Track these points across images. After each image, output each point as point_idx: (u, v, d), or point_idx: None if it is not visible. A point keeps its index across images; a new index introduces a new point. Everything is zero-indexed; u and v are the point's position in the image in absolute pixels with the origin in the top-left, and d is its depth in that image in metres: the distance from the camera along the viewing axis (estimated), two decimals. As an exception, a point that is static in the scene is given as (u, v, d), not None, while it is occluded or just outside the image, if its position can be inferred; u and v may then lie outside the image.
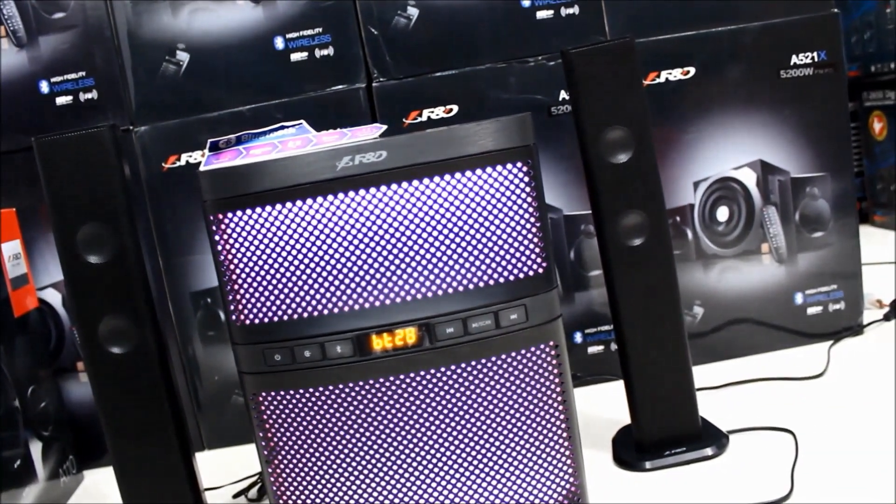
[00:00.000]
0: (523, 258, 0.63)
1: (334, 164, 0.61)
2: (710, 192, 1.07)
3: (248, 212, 0.62)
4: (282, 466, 0.66)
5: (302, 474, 0.66)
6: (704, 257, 1.09)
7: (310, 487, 0.66)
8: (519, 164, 0.63)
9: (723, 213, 1.08)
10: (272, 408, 0.65)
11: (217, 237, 0.63)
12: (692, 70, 1.05)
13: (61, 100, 1.05)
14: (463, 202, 0.62)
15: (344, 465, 0.65)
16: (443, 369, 0.63)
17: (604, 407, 1.00)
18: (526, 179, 0.63)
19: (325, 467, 0.65)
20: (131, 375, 0.75)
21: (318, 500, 0.66)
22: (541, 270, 0.64)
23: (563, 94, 1.05)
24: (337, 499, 0.66)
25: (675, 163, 1.07)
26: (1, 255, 0.96)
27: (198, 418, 1.13)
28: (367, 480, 0.65)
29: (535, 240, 0.64)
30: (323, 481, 0.66)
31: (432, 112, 1.04)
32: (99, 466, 1.09)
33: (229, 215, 0.62)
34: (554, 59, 1.04)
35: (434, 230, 0.62)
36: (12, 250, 1.00)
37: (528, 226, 0.63)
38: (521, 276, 0.64)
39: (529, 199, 0.63)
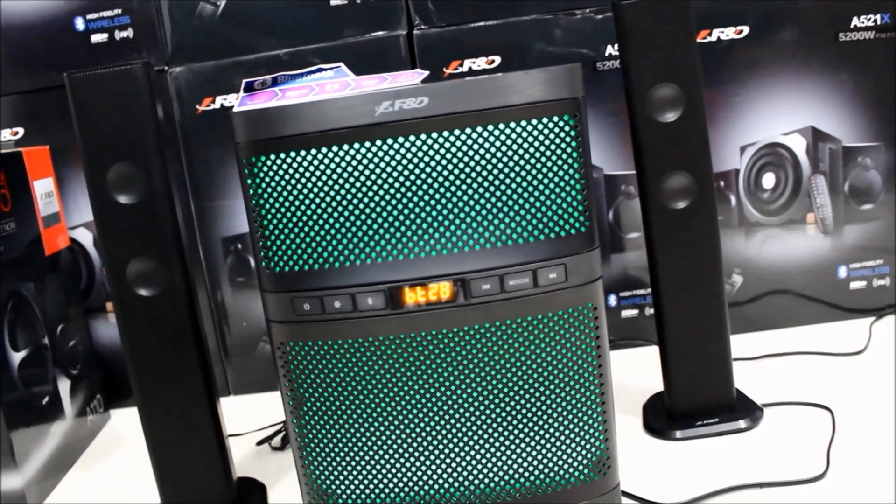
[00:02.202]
0: (565, 215, 0.60)
1: (373, 108, 0.58)
2: (757, 157, 1.03)
3: (282, 156, 0.59)
4: (307, 418, 0.64)
5: (327, 427, 0.64)
6: (747, 224, 1.05)
7: (334, 441, 0.64)
8: (566, 118, 0.59)
9: (769, 180, 1.03)
10: (299, 358, 0.62)
11: (249, 181, 0.60)
12: (746, 29, 1.00)
13: (96, 37, 1.03)
14: (505, 154, 0.59)
15: (370, 419, 0.63)
16: (476, 326, 0.61)
17: (636, 372, 0.97)
18: (573, 133, 0.60)
19: (350, 421, 0.63)
20: (158, 318, 0.73)
21: (342, 454, 0.64)
22: (583, 229, 0.61)
23: (610, 49, 1.01)
24: (362, 453, 0.64)
25: (721, 125, 1.02)
26: (33, 192, 0.95)
27: (224, 364, 1.12)
28: (394, 436, 0.63)
29: (579, 197, 0.60)
30: (348, 435, 0.64)
31: (473, 62, 1.00)
32: (126, 406, 1.08)
33: (262, 158, 0.60)
34: (602, 11, 0.99)
35: (474, 182, 0.59)
36: (45, 188, 0.98)
37: (573, 182, 0.60)
38: (563, 234, 0.60)
39: (575, 155, 0.60)
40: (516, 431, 0.64)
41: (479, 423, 0.63)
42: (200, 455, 0.76)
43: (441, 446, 0.64)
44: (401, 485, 0.65)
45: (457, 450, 0.64)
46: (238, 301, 1.10)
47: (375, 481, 0.65)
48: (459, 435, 0.63)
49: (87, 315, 1.07)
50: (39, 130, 1.05)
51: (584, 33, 1.01)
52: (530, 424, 0.64)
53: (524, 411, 0.63)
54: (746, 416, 0.83)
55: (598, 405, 0.64)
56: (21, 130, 1.05)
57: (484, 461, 0.64)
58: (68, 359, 0.99)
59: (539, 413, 0.63)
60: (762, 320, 1.07)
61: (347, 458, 0.64)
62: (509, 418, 0.63)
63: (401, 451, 0.64)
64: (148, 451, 0.76)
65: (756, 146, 1.03)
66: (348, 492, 0.65)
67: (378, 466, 0.64)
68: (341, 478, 0.65)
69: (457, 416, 0.63)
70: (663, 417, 0.86)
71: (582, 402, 0.64)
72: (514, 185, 0.59)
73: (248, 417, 1.02)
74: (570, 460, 0.65)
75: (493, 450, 0.64)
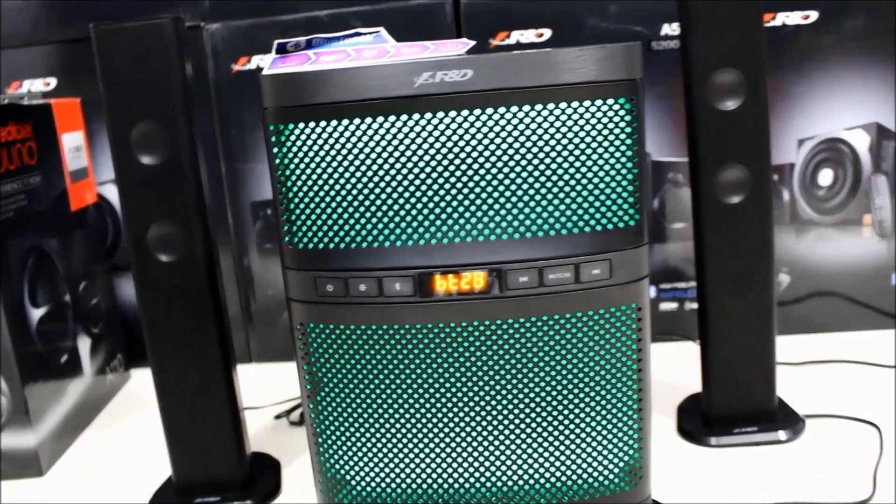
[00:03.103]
0: (614, 207, 0.55)
1: (412, 79, 0.52)
2: (816, 152, 0.96)
3: (312, 124, 0.54)
4: (324, 403, 0.59)
5: (345, 414, 0.59)
6: (799, 222, 0.98)
7: (352, 429, 0.59)
8: (622, 101, 0.53)
9: (826, 177, 0.96)
10: (319, 340, 0.58)
11: (275, 150, 0.55)
12: (813, 15, 0.92)
13: (135, -12, 0.98)
14: (553, 137, 0.53)
15: (391, 409, 0.58)
16: (510, 321, 0.55)
17: (672, 369, 0.92)
18: (628, 119, 0.54)
19: (370, 409, 0.59)
20: (177, 285, 0.69)
21: (359, 443, 0.60)
22: (632, 223, 0.55)
23: (667, 29, 0.94)
24: (380, 443, 0.60)
25: (780, 116, 0.95)
26: (61, 145, 0.91)
27: (248, 331, 1.08)
28: (415, 428, 0.59)
29: (630, 188, 0.55)
30: (367, 423, 0.59)
31: (522, 35, 0.94)
32: (148, 367, 1.05)
33: (290, 126, 0.55)
34: (662, -12, 0.93)
35: (517, 166, 0.54)
36: (74, 142, 0.94)
37: (625, 171, 0.54)
38: (610, 226, 0.55)
39: (629, 142, 0.54)
40: (545, 433, 0.59)
41: (506, 421, 0.58)
42: (213, 429, 0.72)
43: (463, 443, 0.59)
44: (418, 480, 0.60)
45: (480, 448, 0.59)
46: (265, 268, 1.06)
47: (392, 474, 0.60)
48: (484, 432, 0.59)
49: (111, 273, 1.04)
50: (72, 82, 1.01)
51: (640, 10, 0.94)
52: (560, 427, 0.59)
53: (555, 412, 0.58)
54: (787, 427, 0.77)
55: (634, 412, 0.59)
56: (53, 81, 1.01)
57: (508, 462, 0.59)
58: (90, 317, 0.95)
59: (570, 415, 0.58)
60: (807, 323, 1.00)
61: (364, 448, 0.60)
62: (538, 419, 0.58)
63: (421, 444, 0.59)
64: (161, 420, 0.72)
65: (815, 140, 0.96)
66: (363, 482, 0.61)
67: (396, 458, 0.60)
68: (356, 467, 0.61)
69: (482, 412, 0.58)
70: (698, 421, 0.80)
71: (617, 408, 0.58)
72: (560, 172, 0.54)
73: (268, 388, 0.99)
74: (599, 468, 0.60)
75: (518, 451, 0.59)
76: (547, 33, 0.94)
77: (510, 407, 0.58)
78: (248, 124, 1.00)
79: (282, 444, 0.84)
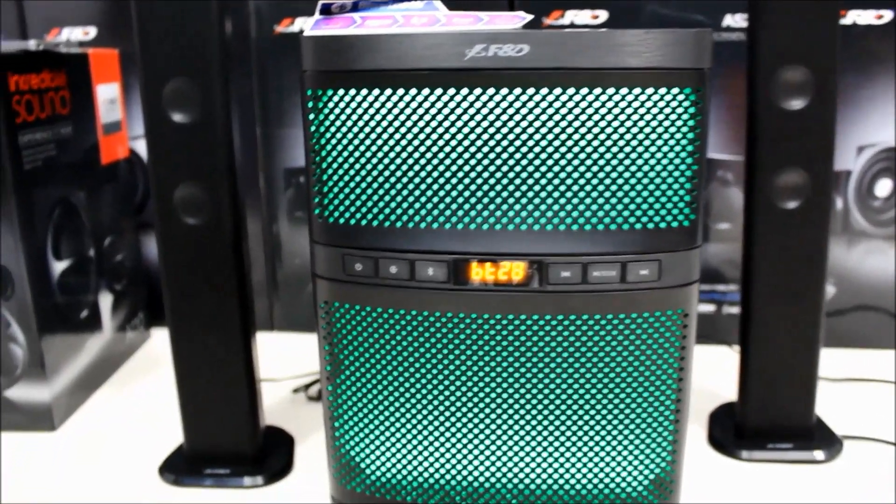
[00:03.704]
0: (668, 205, 0.50)
1: (463, 51, 0.48)
2: (875, 160, 0.90)
3: (352, 92, 0.50)
4: (343, 386, 0.56)
5: (365, 399, 0.56)
6: (851, 232, 0.92)
7: (371, 415, 0.56)
8: (687, 91, 0.49)
9: (883, 188, 0.91)
10: (344, 321, 0.54)
11: (311, 116, 0.52)
12: (888, 15, 0.86)
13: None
14: (610, 125, 0.49)
15: (414, 399, 0.55)
16: (547, 317, 0.51)
17: (705, 374, 0.87)
18: (692, 111, 0.49)
19: (393, 396, 0.55)
20: (201, 249, 0.66)
21: (378, 430, 0.56)
22: (686, 223, 0.51)
23: (729, 20, 0.88)
24: (400, 432, 0.56)
25: (840, 120, 0.88)
26: (95, 97, 0.88)
27: (272, 298, 1.05)
28: (437, 421, 0.55)
29: (688, 186, 0.50)
30: (388, 410, 0.56)
31: (577, 15, 0.89)
32: (168, 328, 1.03)
33: (329, 92, 0.51)
34: (728, -24, 0.87)
35: (569, 153, 0.49)
36: (109, 94, 0.91)
37: (683, 167, 0.50)
38: (662, 225, 0.50)
39: (691, 136, 0.49)
40: (573, 436, 0.55)
41: (533, 421, 0.54)
42: (228, 399, 0.69)
43: (487, 440, 0.55)
44: (436, 474, 0.57)
45: (504, 446, 0.55)
46: (294, 236, 1.02)
47: (409, 465, 0.57)
48: (509, 430, 0.55)
49: (139, 230, 1.01)
50: (112, 33, 0.98)
51: (703, -3, 0.88)
52: (590, 431, 0.55)
53: (586, 416, 0.54)
54: (824, 446, 0.73)
55: (670, 422, 0.55)
56: (93, 31, 0.98)
57: (532, 463, 0.55)
58: (113, 273, 0.93)
59: (602, 420, 0.54)
60: (850, 337, 0.95)
61: (383, 436, 0.56)
62: (568, 421, 0.54)
63: (442, 437, 0.56)
64: (176, 386, 0.69)
65: (876, 148, 0.90)
66: (378, 471, 0.57)
67: (414, 449, 0.56)
68: (373, 455, 0.57)
69: (509, 409, 0.54)
70: (730, 432, 0.76)
71: (653, 417, 0.54)
72: (614, 163, 0.49)
73: (288, 359, 0.95)
74: (629, 478, 0.56)
75: (544, 452, 0.55)
76: (603, 15, 0.89)
77: (539, 406, 0.54)
78: (288, 88, 0.96)
79: (297, 419, 0.81)
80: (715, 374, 0.87)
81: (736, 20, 0.88)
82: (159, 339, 1.02)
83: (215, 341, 0.68)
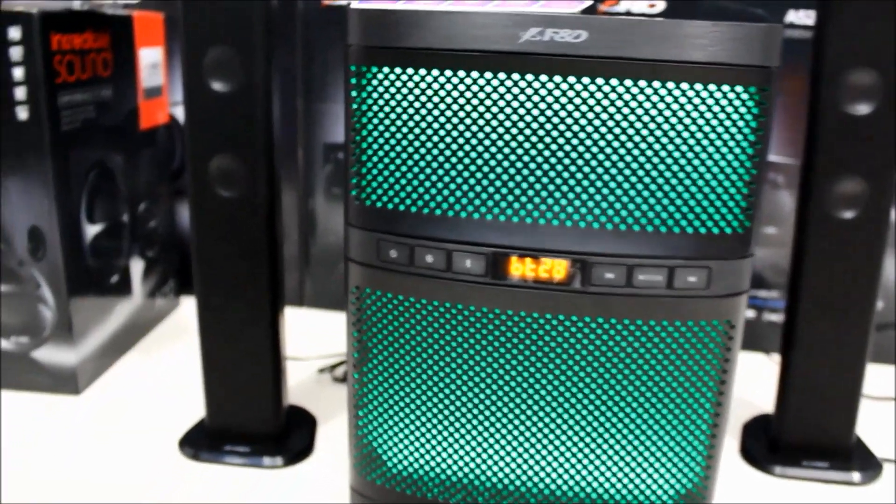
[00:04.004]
0: (723, 210, 0.47)
1: (517, 33, 0.45)
2: (937, 172, 0.85)
3: (397, 70, 0.48)
4: (370, 375, 0.54)
5: (391, 390, 0.54)
6: (903, 245, 0.88)
7: (396, 406, 0.54)
8: (752, 90, 0.45)
9: (943, 201, 0.86)
10: (375, 307, 0.52)
11: (354, 93, 0.49)
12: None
13: None
14: (667, 120, 0.46)
15: (442, 393, 0.53)
16: (587, 319, 0.49)
17: (741, 382, 0.83)
18: (755, 111, 0.46)
19: (419, 389, 0.53)
20: (234, 223, 0.64)
21: (403, 421, 0.54)
22: (740, 230, 0.48)
23: (793, 16, 0.84)
24: (426, 425, 0.54)
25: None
26: (138, 60, 0.86)
27: (303, 274, 1.03)
28: (464, 417, 0.53)
29: (745, 191, 0.47)
30: (413, 404, 0.53)
31: (633, 3, 0.85)
32: (198, 297, 1.02)
33: (373, 69, 0.48)
34: (795, -30, 0.83)
35: (622, 148, 0.46)
36: (152, 58, 0.90)
37: (742, 171, 0.47)
38: (715, 230, 0.47)
39: (752, 138, 0.46)
40: (605, 442, 0.52)
41: (564, 423, 0.52)
42: (252, 375, 0.68)
43: (514, 440, 0.53)
44: (459, 472, 0.54)
45: (532, 448, 0.53)
46: (329, 212, 1.01)
47: (433, 461, 0.55)
48: (539, 432, 0.52)
49: (174, 197, 0.99)
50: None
51: (766, -8, 0.84)
52: (623, 438, 0.52)
53: (619, 422, 0.52)
54: (862, 468, 0.70)
55: (706, 436, 0.52)
56: (141, -8, 0.96)
57: (560, 467, 0.53)
58: (146, 239, 0.91)
59: (636, 428, 0.52)
60: (893, 352, 0.91)
61: (407, 429, 0.54)
62: (600, 426, 0.52)
63: (469, 434, 0.53)
64: (201, 359, 0.68)
65: (938, 159, 0.85)
66: (400, 464, 0.55)
67: (439, 445, 0.54)
68: (396, 447, 0.55)
69: (541, 410, 0.52)
70: (764, 445, 0.73)
71: (689, 430, 0.52)
72: (668, 161, 0.46)
73: (316, 337, 0.94)
74: (658, 490, 0.53)
75: (573, 457, 0.53)
76: (660, 5, 0.86)
77: (571, 409, 0.52)
78: (332, 62, 0.94)
79: (321, 400, 0.79)
80: (751, 382, 0.83)
81: (800, 17, 0.84)
82: (189, 308, 1.01)
83: (243, 315, 0.66)
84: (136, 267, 0.90)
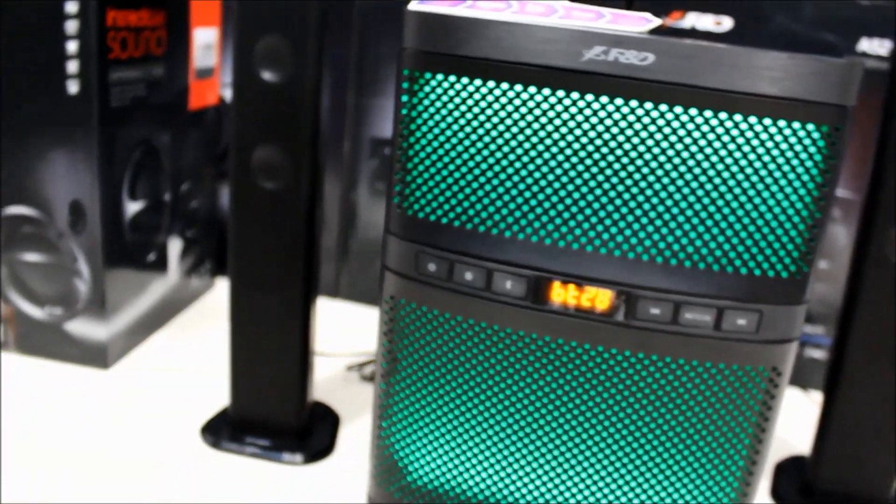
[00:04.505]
0: (781, 252, 0.44)
1: (580, 51, 0.43)
2: None
3: (451, 78, 0.45)
4: (398, 387, 0.52)
5: (418, 405, 0.52)
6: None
7: (422, 421, 0.52)
8: (824, 129, 0.43)
9: None
10: (409, 319, 0.50)
11: (405, 98, 0.47)
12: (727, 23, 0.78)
13: None
14: (730, 154, 0.43)
15: (470, 413, 0.51)
16: (627, 353, 0.46)
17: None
18: (825, 152, 0.43)
19: (446, 407, 0.51)
20: (273, 215, 0.62)
21: (426, 439, 0.52)
22: (797, 276, 0.45)
23: (865, 45, 0.80)
24: (450, 446, 0.52)
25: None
26: (192, 40, 0.85)
27: (340, 265, 1.02)
28: (490, 440, 0.51)
29: (807, 235, 0.44)
30: (439, 421, 0.52)
31: (699, 19, 0.82)
32: (233, 280, 1.01)
33: (426, 75, 0.46)
34: (873, -2, 0.79)
35: (679, 179, 0.44)
36: (206, 39, 0.88)
37: (805, 214, 0.44)
38: (770, 273, 0.45)
39: (819, 180, 0.43)
40: (632, 479, 0.50)
41: (592, 455, 0.50)
42: (279, 370, 0.66)
43: (540, 466, 0.51)
44: (481, 492, 0.53)
45: (557, 476, 0.51)
46: (372, 207, 0.99)
47: (455, 479, 0.53)
48: (566, 461, 0.50)
49: (218, 179, 0.99)
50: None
51: (839, 18, 0.80)
52: (651, 477, 0.50)
53: (649, 460, 0.49)
54: (900, 524, 0.66)
55: (739, 482, 0.49)
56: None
57: (584, 497, 0.51)
58: (186, 219, 0.91)
59: (666, 468, 0.49)
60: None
61: (431, 445, 0.53)
62: (629, 462, 0.49)
63: (493, 456, 0.51)
64: (229, 346, 0.67)
65: None
66: (421, 478, 0.54)
67: (462, 464, 0.52)
68: (418, 462, 0.54)
69: (571, 440, 0.50)
70: (796, 489, 0.70)
71: (722, 475, 0.49)
72: (728, 197, 0.44)
73: (348, 331, 0.92)
74: (686, 534, 0.51)
75: (598, 489, 0.51)
76: (727, 23, 0.82)
77: (601, 443, 0.49)
78: (385, 57, 0.92)
79: (347, 398, 0.78)
80: (787, 420, 0.80)
81: (873, 46, 0.80)
82: (224, 289, 1.01)
83: (275, 308, 0.65)
84: (174, 246, 0.89)
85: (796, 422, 0.79)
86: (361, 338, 0.90)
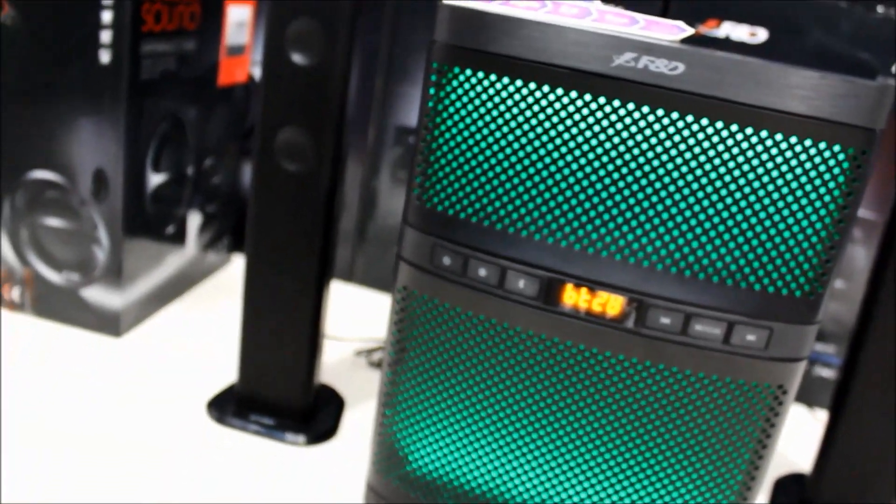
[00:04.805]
0: (796, 271, 0.44)
1: (611, 56, 0.43)
2: None
3: (480, 75, 0.46)
4: (404, 377, 0.53)
5: (423, 396, 0.52)
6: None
7: (426, 412, 0.53)
8: (850, 151, 0.42)
9: None
10: (420, 311, 0.51)
11: (432, 90, 0.47)
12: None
13: None
14: (753, 170, 0.43)
15: (474, 408, 0.51)
16: (634, 360, 0.46)
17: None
18: (850, 174, 0.43)
19: (451, 401, 0.51)
20: (294, 197, 0.63)
21: (429, 430, 0.53)
22: (811, 295, 0.45)
23: (900, 66, 0.80)
24: (452, 440, 0.52)
25: None
26: (225, 16, 0.86)
27: (356, 249, 1.02)
28: (492, 436, 0.51)
29: (824, 255, 0.44)
30: (443, 414, 0.52)
31: (734, 29, 0.82)
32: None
33: (455, 70, 0.46)
34: (912, 19, 0.78)
35: (700, 190, 0.44)
36: (240, 16, 0.89)
37: (824, 234, 0.44)
38: (784, 291, 0.45)
39: (841, 201, 0.43)
40: (630, 486, 0.50)
41: (593, 458, 0.50)
42: (288, 350, 0.67)
43: (539, 465, 0.51)
44: (479, 487, 0.53)
45: (556, 476, 0.51)
46: (392, 194, 0.99)
47: (455, 471, 0.53)
48: (566, 461, 0.50)
49: (241, 156, 0.99)
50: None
51: (876, 36, 0.80)
52: (650, 484, 0.50)
53: (649, 468, 0.49)
54: (897, 548, 0.66)
55: (737, 497, 0.49)
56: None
57: (581, 499, 0.51)
58: (208, 194, 0.91)
59: (665, 477, 0.49)
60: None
61: (433, 436, 0.53)
62: (629, 468, 0.50)
63: (494, 451, 0.52)
64: (241, 322, 0.67)
65: None
66: (422, 469, 0.54)
67: (463, 457, 0.53)
68: (419, 452, 0.54)
69: (572, 442, 0.50)
70: (796, 505, 0.70)
71: (720, 486, 0.49)
72: (747, 212, 0.44)
73: (359, 315, 0.93)
74: (680, 544, 0.51)
75: (596, 492, 0.51)
76: (762, 34, 0.82)
77: (602, 447, 0.49)
78: (416, 46, 0.92)
79: (354, 383, 0.78)
80: (790, 437, 0.80)
81: (908, 68, 0.79)
82: (240, 266, 1.02)
83: (288, 288, 0.65)
84: (194, 220, 0.90)
85: (799, 439, 0.79)
86: (372, 324, 0.91)
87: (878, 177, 0.82)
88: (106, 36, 0.70)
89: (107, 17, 0.69)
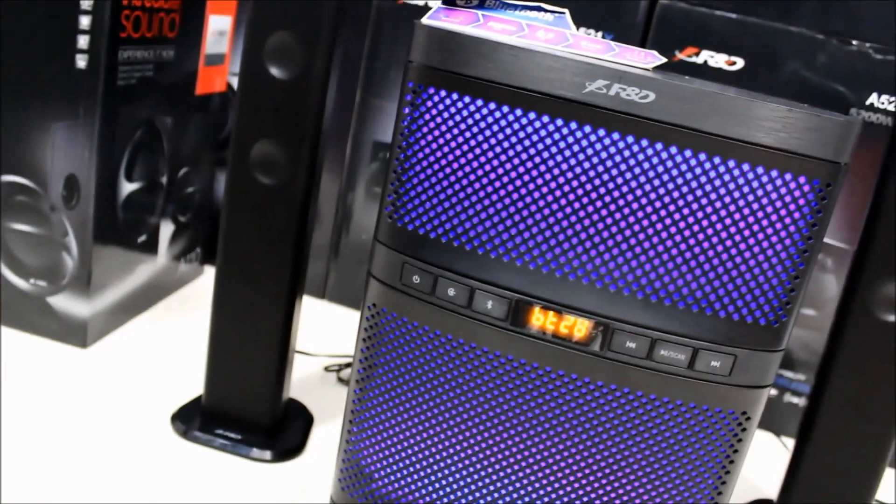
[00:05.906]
0: (761, 300, 0.45)
1: (583, 82, 0.44)
2: None
3: (454, 96, 0.47)
4: (371, 394, 0.53)
5: (389, 415, 0.53)
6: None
7: (392, 430, 0.53)
8: (815, 183, 0.44)
9: None
10: (388, 328, 0.51)
11: (407, 109, 0.48)
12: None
13: None
14: (719, 199, 0.44)
15: (440, 427, 0.52)
16: (599, 384, 0.47)
17: (748, 462, 0.81)
18: (814, 206, 0.44)
19: (417, 421, 0.52)
20: (266, 211, 0.64)
21: (394, 448, 0.53)
22: (775, 323, 0.46)
23: (874, 99, 0.82)
24: (418, 460, 0.53)
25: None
26: (206, 25, 0.86)
27: (329, 265, 1.03)
28: (457, 456, 0.52)
29: (788, 284, 0.45)
30: (408, 433, 0.53)
31: (712, 57, 0.84)
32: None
33: (430, 90, 0.47)
34: (885, 52, 0.80)
35: (667, 217, 0.45)
36: (220, 26, 0.90)
37: (788, 264, 0.45)
38: (748, 319, 0.46)
39: (805, 233, 0.45)
40: (594, 509, 0.51)
41: (558, 480, 0.51)
42: (256, 364, 0.67)
43: (504, 487, 0.52)
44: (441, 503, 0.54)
45: (521, 498, 0.52)
46: (367, 209, 1.00)
47: (419, 491, 0.54)
48: (532, 482, 0.51)
49: (216, 166, 1.00)
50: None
51: (851, 69, 0.82)
52: (613, 509, 0.51)
53: (613, 491, 0.50)
54: (861, 580, 0.67)
55: (701, 523, 0.50)
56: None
57: (544, 524, 0.52)
58: (181, 204, 0.92)
59: (629, 501, 0.50)
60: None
61: (398, 455, 0.53)
62: (593, 491, 0.50)
63: (459, 472, 0.52)
64: (209, 334, 0.68)
65: None
66: (385, 486, 0.55)
67: (428, 477, 0.53)
68: (383, 470, 0.54)
69: (538, 464, 0.51)
70: (761, 535, 0.71)
71: (684, 513, 0.50)
72: (713, 240, 0.45)
73: (330, 333, 0.93)
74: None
75: (559, 517, 0.52)
76: (739, 63, 0.84)
77: (567, 469, 0.50)
78: (396, 60, 0.93)
79: (322, 399, 0.79)
80: (757, 463, 0.81)
81: (882, 102, 0.81)
82: (212, 277, 1.02)
83: (258, 301, 0.66)
84: (166, 229, 0.90)
85: (766, 466, 0.80)
86: (342, 340, 0.91)
87: (850, 207, 0.84)
88: (83, 41, 0.70)
89: (85, 21, 0.70)
